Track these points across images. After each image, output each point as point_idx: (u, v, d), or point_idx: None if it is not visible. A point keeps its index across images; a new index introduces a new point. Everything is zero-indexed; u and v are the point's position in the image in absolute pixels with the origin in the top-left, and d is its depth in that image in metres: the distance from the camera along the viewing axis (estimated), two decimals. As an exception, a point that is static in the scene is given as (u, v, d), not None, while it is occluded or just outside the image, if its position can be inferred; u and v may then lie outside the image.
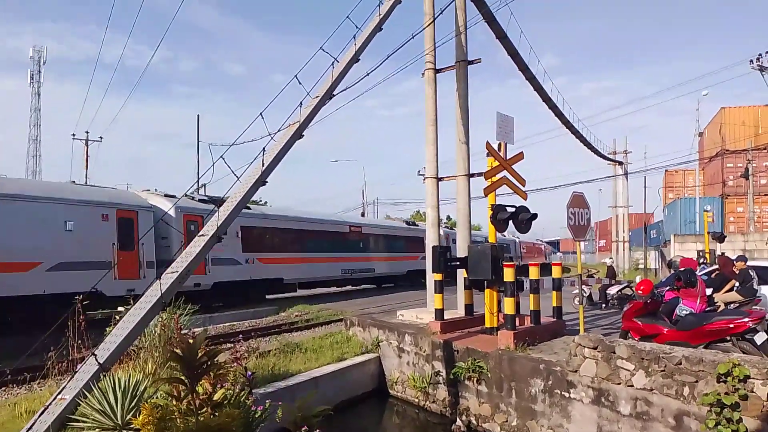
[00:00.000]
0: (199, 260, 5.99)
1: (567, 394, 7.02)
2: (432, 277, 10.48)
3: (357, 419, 9.45)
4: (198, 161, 26.82)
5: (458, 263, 10.20)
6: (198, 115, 28.51)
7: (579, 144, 31.58)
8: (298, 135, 7.21)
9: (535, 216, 9.52)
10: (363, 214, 43.02)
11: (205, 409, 4.04)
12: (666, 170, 37.25)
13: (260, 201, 68.79)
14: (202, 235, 6.17)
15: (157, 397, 4.73)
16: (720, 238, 21.01)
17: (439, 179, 11.97)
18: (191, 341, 3.96)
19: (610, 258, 21.90)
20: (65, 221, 12.98)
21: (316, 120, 7.95)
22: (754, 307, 9.64)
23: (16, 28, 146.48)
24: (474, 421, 8.33)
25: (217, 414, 3.88)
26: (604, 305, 15.23)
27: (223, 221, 6.19)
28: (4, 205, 11.89)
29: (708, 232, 21.07)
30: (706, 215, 22.30)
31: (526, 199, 9.97)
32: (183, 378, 3.23)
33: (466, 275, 10.34)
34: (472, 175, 11.54)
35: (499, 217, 9.44)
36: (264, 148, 6.62)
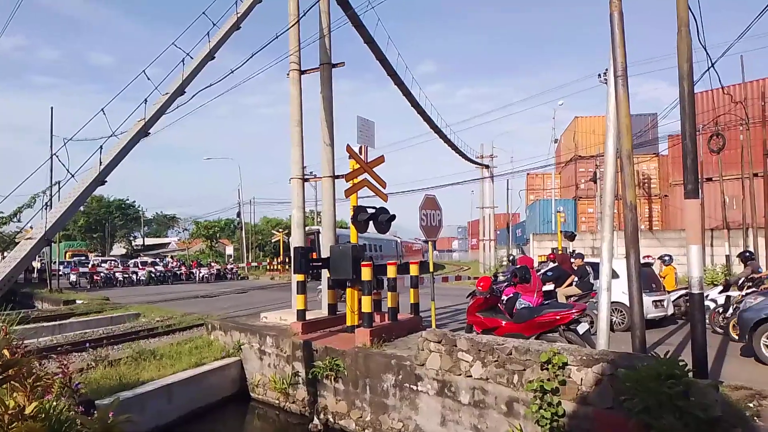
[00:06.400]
0: (24, 265, 5.54)
1: (415, 387, 7.35)
2: (295, 278, 10.48)
3: (217, 424, 9.24)
4: (52, 157, 24.56)
5: (320, 264, 10.30)
6: (51, 108, 26.01)
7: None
8: (143, 133, 6.89)
9: (393, 217, 9.86)
10: (239, 214, 41.91)
11: (15, 424, 3.76)
12: (528, 173, 40.22)
13: (127, 199, 64.27)
14: (30, 239, 5.71)
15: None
16: (571, 236, 23.05)
17: (304, 180, 12.02)
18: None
19: (513, 255, 23.46)
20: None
21: (178, 117, 7.68)
22: (590, 299, 10.70)
23: None
24: (331, 419, 8.48)
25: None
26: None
27: (54, 224, 5.77)
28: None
29: (561, 231, 23.03)
30: (559, 216, 24.41)
31: (386, 201, 10.30)
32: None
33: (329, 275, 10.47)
34: (337, 177, 11.71)
35: (360, 218, 9.67)
36: (101, 147, 6.27)
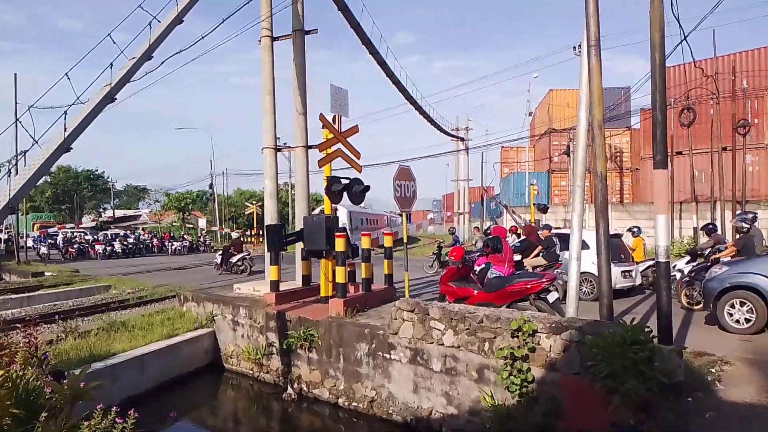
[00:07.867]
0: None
1: (388, 356, 7.43)
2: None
3: (190, 394, 9.23)
4: (16, 123, 23.73)
5: (293, 238, 10.24)
6: (15, 74, 25.07)
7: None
8: (109, 98, 6.66)
9: (367, 188, 9.81)
10: (211, 186, 41.34)
11: (-21, 394, 3.70)
12: (502, 146, 40.25)
13: (96, 170, 62.75)
14: (-10, 207, 5.54)
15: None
16: (543, 209, 23.32)
17: (277, 150, 11.85)
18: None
19: (453, 228, 23.59)
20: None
21: (146, 84, 7.46)
22: (556, 270, 10.88)
23: None
24: (305, 388, 8.53)
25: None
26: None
27: (18, 191, 5.60)
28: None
29: (534, 204, 23.26)
30: (532, 189, 24.63)
31: (360, 172, 10.25)
32: None
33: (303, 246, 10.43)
34: (311, 147, 11.57)
35: (333, 188, 9.60)
36: (65, 112, 6.05)
